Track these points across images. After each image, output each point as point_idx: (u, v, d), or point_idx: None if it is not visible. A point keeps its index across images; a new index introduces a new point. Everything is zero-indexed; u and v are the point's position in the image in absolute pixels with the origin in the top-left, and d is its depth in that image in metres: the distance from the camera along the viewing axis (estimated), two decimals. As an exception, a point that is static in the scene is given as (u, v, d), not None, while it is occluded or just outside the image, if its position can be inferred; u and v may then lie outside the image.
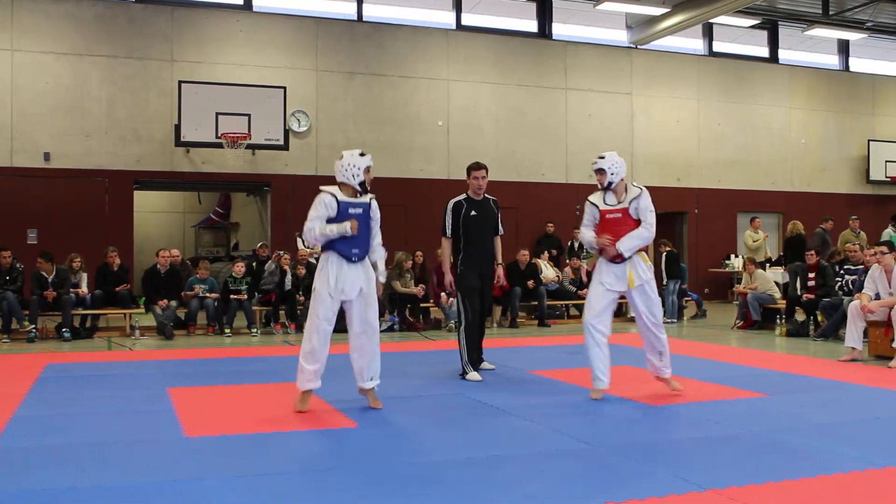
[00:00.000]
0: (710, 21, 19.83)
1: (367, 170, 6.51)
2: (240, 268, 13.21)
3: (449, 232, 8.47)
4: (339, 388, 7.45)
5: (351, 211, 6.39)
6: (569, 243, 17.71)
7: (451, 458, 5.02)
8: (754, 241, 17.79)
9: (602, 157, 7.03)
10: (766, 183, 21.30)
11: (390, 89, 17.84)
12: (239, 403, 6.87)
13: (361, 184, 6.46)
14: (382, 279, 6.81)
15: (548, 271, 15.33)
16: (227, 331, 12.69)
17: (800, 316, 12.69)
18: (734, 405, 6.74)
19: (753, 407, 6.67)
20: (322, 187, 6.50)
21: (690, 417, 6.28)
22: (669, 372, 7.12)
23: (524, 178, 18.77)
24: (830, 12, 19.85)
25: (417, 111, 18.05)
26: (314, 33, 17.35)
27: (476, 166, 8.58)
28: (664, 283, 14.76)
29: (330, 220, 6.30)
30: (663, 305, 14.82)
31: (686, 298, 15.93)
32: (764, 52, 21.85)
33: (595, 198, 7.18)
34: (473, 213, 8.39)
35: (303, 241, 15.01)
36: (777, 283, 13.98)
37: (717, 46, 21.25)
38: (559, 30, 19.60)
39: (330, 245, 6.35)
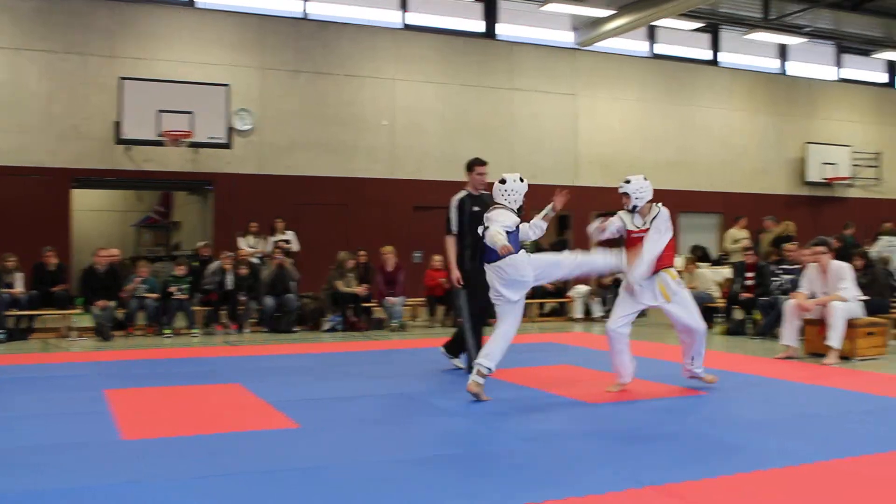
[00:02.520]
0: (654, 24, 20.06)
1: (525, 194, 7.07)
2: (181, 268, 13.06)
3: (455, 229, 8.31)
4: (282, 389, 7.41)
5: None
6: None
7: (394, 459, 5.00)
8: (735, 242, 17.86)
9: (628, 182, 7.22)
10: (707, 184, 21.58)
11: (336, 88, 17.75)
12: (178, 405, 6.78)
13: (519, 208, 6.98)
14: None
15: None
16: (167, 331, 12.51)
17: (738, 314, 12.89)
18: (673, 403, 6.83)
19: (692, 404, 6.76)
20: (496, 207, 6.97)
21: (630, 415, 6.34)
22: (702, 370, 7.51)
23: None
24: (770, 17, 20.21)
25: (363, 110, 17.98)
26: (259, 31, 17.19)
27: (480, 162, 8.56)
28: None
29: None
30: (605, 305, 15.04)
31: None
32: (706, 54, 22.16)
33: (625, 215, 7.35)
34: (476, 208, 8.21)
35: (245, 240, 14.89)
36: (717, 283, 14.17)
37: (661, 49, 21.49)
38: (505, 30, 19.66)
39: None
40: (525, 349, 10.73)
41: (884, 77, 25.14)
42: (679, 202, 21.05)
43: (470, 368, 8.03)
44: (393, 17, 18.52)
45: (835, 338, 9.21)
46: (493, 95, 19.25)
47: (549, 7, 18.13)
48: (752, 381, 7.99)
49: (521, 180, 6.96)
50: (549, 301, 15.87)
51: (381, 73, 18.15)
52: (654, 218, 7.16)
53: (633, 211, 7.22)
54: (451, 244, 8.31)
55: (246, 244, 14.80)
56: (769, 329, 11.61)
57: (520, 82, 19.55)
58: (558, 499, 4.13)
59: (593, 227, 7.40)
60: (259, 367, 9.06)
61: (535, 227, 7.28)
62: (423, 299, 14.71)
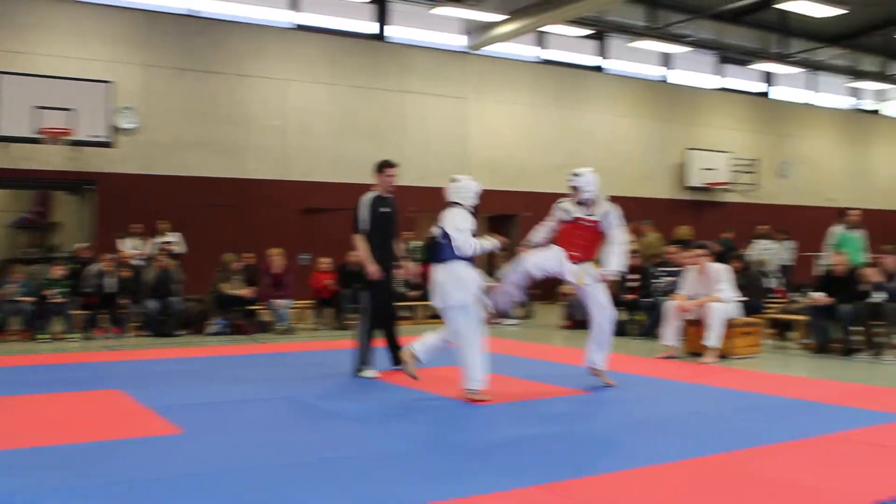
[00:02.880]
0: (543, 29, 20.37)
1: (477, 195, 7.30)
2: (58, 270, 12.62)
3: (365, 226, 8.44)
4: (164, 394, 7.25)
5: None
6: (402, 246, 17.71)
7: (282, 462, 4.95)
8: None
9: (577, 175, 7.57)
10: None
11: (225, 87, 17.44)
12: (54, 413, 6.54)
13: (474, 206, 7.21)
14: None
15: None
16: (44, 336, 12.07)
17: (622, 315, 13.17)
18: (558, 403, 6.94)
19: (575, 404, 6.88)
20: (454, 209, 7.16)
21: (515, 415, 6.41)
22: (599, 363, 7.70)
23: (359, 179, 18.65)
24: (655, 26, 20.76)
25: (253, 110, 17.72)
26: (143, 27, 16.74)
27: (390, 164, 8.68)
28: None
29: None
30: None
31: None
32: (593, 61, 22.61)
33: (568, 205, 7.67)
34: (387, 209, 8.52)
35: (127, 242, 14.48)
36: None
37: (550, 54, 21.84)
38: (396, 32, 19.67)
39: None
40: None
41: (761, 87, 26.13)
42: (566, 205, 21.43)
43: (359, 367, 8.21)
44: (283, 17, 18.33)
45: (713, 338, 9.54)
46: (383, 97, 19.23)
47: (440, 10, 18.21)
48: (636, 381, 8.17)
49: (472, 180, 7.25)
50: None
51: (272, 73, 17.93)
52: (606, 212, 7.49)
53: (581, 203, 7.53)
54: (361, 241, 8.42)
55: (128, 246, 14.40)
56: (651, 329, 11.90)
57: (410, 85, 19.58)
58: (444, 499, 4.15)
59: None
60: (141, 371, 8.84)
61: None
62: (310, 302, 14.59)
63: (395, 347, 8.49)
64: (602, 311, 7.58)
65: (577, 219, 7.53)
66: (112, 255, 13.25)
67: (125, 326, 12.78)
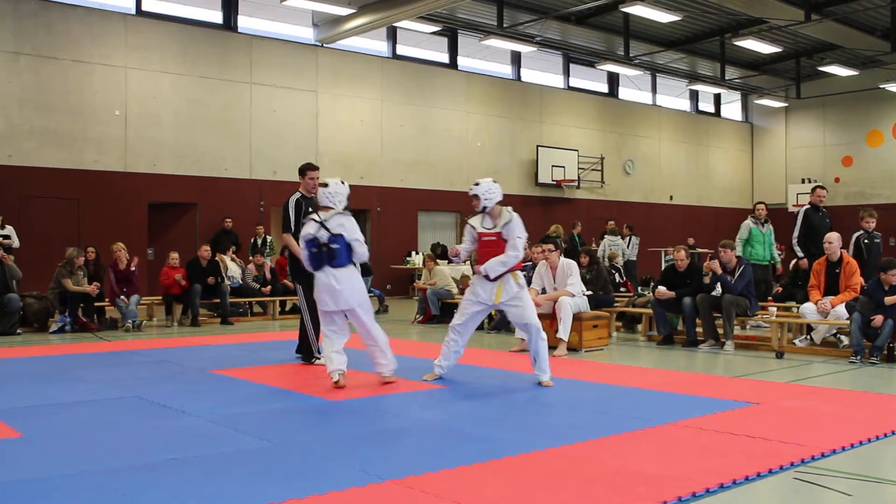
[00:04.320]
0: (394, 25, 20.39)
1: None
2: None
3: (292, 227, 8.80)
4: (2, 395, 6.89)
5: None
6: (252, 240, 17.47)
7: (127, 465, 4.76)
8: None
9: (477, 184, 7.55)
10: (446, 183, 22.23)
11: (61, 74, 16.69)
12: None
13: (346, 208, 7.37)
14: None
15: (233, 266, 15.07)
16: None
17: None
18: (412, 398, 6.94)
19: (432, 399, 6.90)
20: (312, 216, 7.40)
21: (370, 410, 6.39)
22: (545, 376, 7.53)
23: (205, 172, 18.32)
24: (505, 25, 21.11)
25: (92, 99, 17.04)
26: (-27, 8, 15.86)
27: (312, 167, 9.12)
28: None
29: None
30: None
31: (369, 294, 16.23)
32: (444, 58, 22.80)
33: (475, 220, 7.69)
34: (311, 210, 8.63)
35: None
36: (455, 280, 14.60)
37: (401, 50, 21.90)
38: (245, 23, 19.31)
39: None
40: (268, 347, 10.60)
41: (606, 87, 26.94)
42: (418, 201, 21.62)
43: (315, 354, 8.80)
44: (125, 2, 17.68)
45: (563, 331, 9.76)
46: (231, 89, 18.87)
47: (290, 2, 17.96)
48: (490, 374, 8.28)
49: (343, 183, 7.40)
50: (292, 298, 15.72)
51: (112, 59, 17.28)
52: (505, 223, 7.43)
53: (482, 212, 7.55)
54: (291, 240, 8.77)
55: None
56: (504, 324, 12.09)
57: (260, 77, 19.27)
58: (300, 497, 4.08)
59: (452, 254, 7.89)
60: (-25, 372, 8.36)
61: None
62: (159, 298, 14.15)
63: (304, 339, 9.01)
64: (528, 327, 7.53)
65: (480, 234, 7.58)
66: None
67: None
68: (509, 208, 7.59)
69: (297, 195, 8.94)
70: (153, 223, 17.84)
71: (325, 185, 7.34)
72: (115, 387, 7.48)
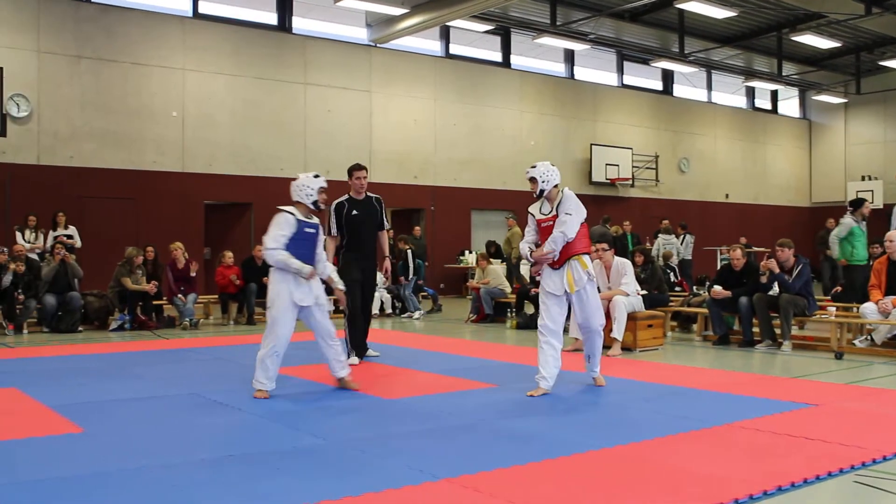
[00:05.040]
0: (447, 24, 20.42)
1: (322, 190, 7.03)
2: (-51, 264, 12.12)
3: (334, 231, 8.83)
4: (64, 392, 7.04)
5: (306, 230, 6.92)
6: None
7: (184, 460, 4.83)
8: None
9: (534, 167, 7.17)
10: (499, 182, 22.21)
11: (120, 76, 16.99)
12: (-53, 412, 6.28)
13: (315, 203, 6.98)
14: (342, 287, 7.47)
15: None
16: (-66, 333, 11.60)
17: (529, 309, 13.30)
18: (467, 396, 6.94)
19: (484, 397, 6.90)
20: (280, 207, 6.97)
21: (425, 409, 6.40)
22: (596, 373, 7.39)
23: (261, 172, 18.51)
24: (558, 23, 21.03)
25: (150, 100, 17.32)
26: (34, 11, 16.18)
27: (357, 167, 8.92)
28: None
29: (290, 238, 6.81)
30: (394, 301, 15.21)
31: (422, 293, 16.31)
32: (497, 56, 22.77)
33: (534, 207, 7.32)
34: (355, 212, 8.82)
35: (22, 235, 13.99)
36: (509, 279, 14.59)
37: (454, 49, 21.92)
38: (299, 24, 19.47)
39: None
40: (314, 346, 10.68)
41: (660, 84, 26.70)
42: (471, 200, 21.63)
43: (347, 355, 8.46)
44: (182, 5, 17.94)
45: (617, 330, 9.70)
46: (286, 89, 19.04)
47: (344, 3, 18.07)
48: (542, 373, 8.25)
49: (317, 176, 7.06)
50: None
51: (170, 62, 17.55)
52: (558, 204, 7.09)
53: (540, 196, 7.18)
54: (329, 245, 8.64)
55: (23, 239, 13.90)
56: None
57: (314, 77, 19.41)
58: (356, 494, 4.11)
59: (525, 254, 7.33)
60: (39, 369, 8.55)
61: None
62: (215, 297, 14.34)
63: (359, 342, 9.00)
64: (591, 317, 7.17)
65: (539, 221, 7.21)
66: (4, 248, 12.76)
67: (21, 323, 12.34)
68: (566, 188, 7.26)
69: (344, 197, 8.91)
70: (210, 223, 18.08)
71: (296, 179, 7.08)
72: (172, 384, 7.61)
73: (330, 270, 7.23)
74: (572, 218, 6.99)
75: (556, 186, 7.18)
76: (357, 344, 8.95)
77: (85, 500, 4.13)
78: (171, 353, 10.10)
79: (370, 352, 9.26)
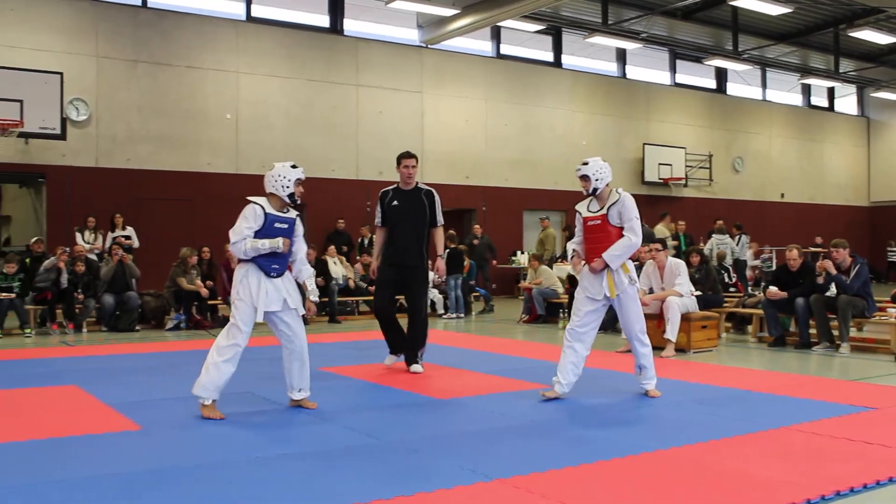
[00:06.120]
0: (498, 24, 20.40)
1: (298, 182, 6.26)
2: (11, 265, 12.37)
3: (378, 221, 8.32)
4: (122, 390, 7.16)
5: (277, 225, 6.19)
6: (359, 240, 17.74)
7: (239, 458, 4.89)
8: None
9: (585, 164, 6.84)
10: (550, 182, 22.12)
11: (176, 80, 17.24)
12: (11, 409, 6.43)
13: (291, 196, 6.24)
14: (315, 298, 6.63)
15: (336, 268, 15.31)
16: (-2, 332, 11.86)
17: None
18: (519, 397, 6.93)
19: (536, 398, 6.86)
20: (250, 198, 6.28)
21: (477, 410, 6.40)
22: (650, 385, 7.00)
23: (314, 173, 18.57)
24: (609, 22, 20.89)
25: (205, 103, 17.55)
26: (94, 18, 16.50)
27: (406, 155, 8.27)
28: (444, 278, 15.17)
29: (256, 233, 6.10)
30: (446, 301, 15.21)
31: (474, 293, 16.31)
32: (548, 56, 22.70)
33: (581, 206, 7.05)
34: (395, 203, 8.17)
35: (82, 236, 14.27)
36: (560, 279, 14.52)
37: (505, 49, 21.89)
38: (351, 26, 19.58)
39: (251, 258, 6.12)
40: (375, 345, 10.72)
41: (713, 83, 26.40)
42: (523, 200, 21.58)
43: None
44: (236, 9, 18.15)
45: (671, 331, 9.61)
46: (338, 91, 19.15)
47: (395, 4, 18.15)
48: (594, 374, 8.19)
49: (294, 167, 6.29)
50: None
51: (224, 65, 17.77)
52: (613, 204, 6.77)
53: (592, 194, 6.88)
54: (378, 236, 8.41)
55: (82, 240, 14.19)
56: (611, 324, 11.96)
57: (366, 79, 19.51)
58: (408, 494, 4.13)
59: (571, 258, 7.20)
60: (98, 367, 8.71)
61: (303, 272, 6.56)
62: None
63: (396, 339, 8.45)
64: (629, 326, 6.89)
65: (586, 219, 6.92)
66: (65, 249, 13.03)
67: (81, 322, 12.58)
68: (619, 188, 6.94)
69: (391, 187, 8.38)
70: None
71: (272, 169, 6.32)
72: (227, 383, 7.68)
73: (307, 275, 6.50)
74: (637, 222, 6.76)
75: (607, 185, 6.92)
76: (392, 344, 8.44)
77: (140, 497, 4.19)
78: (226, 352, 10.19)
79: (413, 367, 8.26)
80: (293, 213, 6.37)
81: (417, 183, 8.31)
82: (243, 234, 6.09)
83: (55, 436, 5.46)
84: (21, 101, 14.55)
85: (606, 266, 6.69)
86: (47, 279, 12.50)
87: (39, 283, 12.50)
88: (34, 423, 5.90)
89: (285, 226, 6.25)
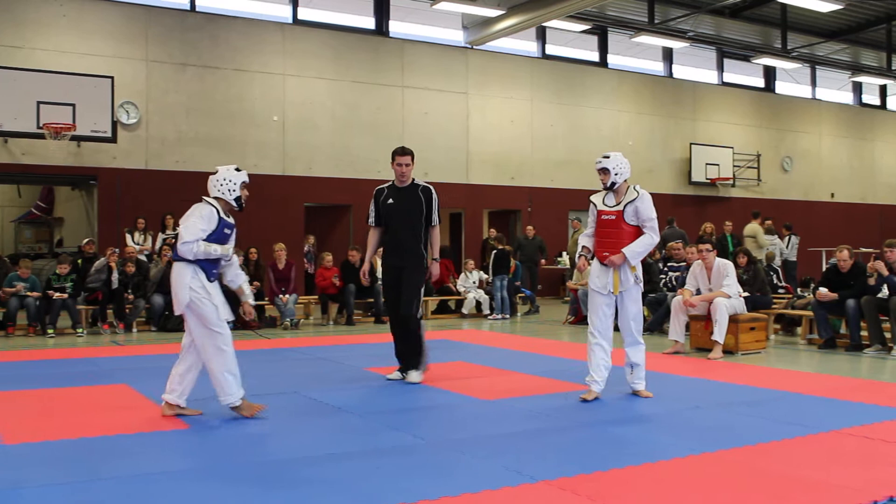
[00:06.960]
0: (544, 24, 20.34)
1: (244, 185, 6.25)
2: (63, 266, 12.59)
3: (371, 220, 8.02)
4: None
5: (226, 230, 6.17)
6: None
7: (288, 458, 4.93)
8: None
9: (606, 157, 6.85)
10: (596, 183, 21.81)
11: (224, 82, 17.43)
12: (62, 407, 6.55)
13: (237, 199, 6.23)
14: (251, 301, 6.62)
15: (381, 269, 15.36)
16: (50, 331, 12.07)
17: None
18: (564, 398, 6.90)
19: (578, 399, 6.84)
20: (205, 198, 6.22)
21: (522, 411, 6.39)
22: (640, 385, 6.99)
23: (360, 174, 18.71)
24: (656, 21, 20.74)
25: (252, 105, 17.71)
26: (144, 22, 16.73)
27: (400, 151, 8.00)
28: (490, 279, 15.20)
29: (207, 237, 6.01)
30: (492, 301, 15.20)
31: (519, 294, 16.28)
32: (594, 56, 22.58)
33: (596, 197, 7.04)
34: (391, 201, 7.84)
35: (132, 237, 14.49)
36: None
37: (550, 49, 21.81)
38: (396, 27, 19.65)
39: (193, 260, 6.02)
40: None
41: (762, 81, 26.08)
42: (568, 200, 21.47)
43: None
44: (282, 12, 18.31)
45: (719, 333, 9.52)
46: (384, 92, 19.21)
47: (441, 6, 18.17)
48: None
49: (239, 170, 6.27)
50: (451, 297, 15.87)
51: (271, 67, 17.92)
52: (631, 201, 6.78)
53: (610, 188, 6.87)
54: (370, 236, 8.11)
55: (133, 241, 14.40)
56: (658, 325, 11.90)
57: (411, 80, 19.56)
58: (454, 495, 4.14)
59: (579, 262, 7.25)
60: (148, 367, 8.81)
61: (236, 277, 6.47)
62: (315, 297, 14.58)
63: (397, 351, 7.99)
64: (623, 326, 6.91)
65: (600, 213, 6.90)
66: (116, 250, 13.23)
67: (131, 322, 12.77)
68: (637, 186, 6.89)
69: (385, 185, 8.07)
70: (310, 225, 18.37)
71: (215, 173, 6.27)
72: (273, 383, 7.75)
73: (242, 280, 6.45)
74: (656, 222, 6.79)
75: (625, 181, 6.89)
76: (397, 354, 7.98)
77: (189, 493, 4.25)
78: (273, 352, 10.30)
79: (410, 375, 7.79)
80: (232, 219, 6.31)
81: (414, 179, 8.05)
82: (197, 236, 5.96)
83: (106, 434, 5.55)
84: (73, 105, 14.81)
85: (626, 261, 6.71)
86: (98, 280, 12.70)
87: (91, 283, 12.71)
88: (85, 421, 6.00)
89: (230, 231, 6.23)
